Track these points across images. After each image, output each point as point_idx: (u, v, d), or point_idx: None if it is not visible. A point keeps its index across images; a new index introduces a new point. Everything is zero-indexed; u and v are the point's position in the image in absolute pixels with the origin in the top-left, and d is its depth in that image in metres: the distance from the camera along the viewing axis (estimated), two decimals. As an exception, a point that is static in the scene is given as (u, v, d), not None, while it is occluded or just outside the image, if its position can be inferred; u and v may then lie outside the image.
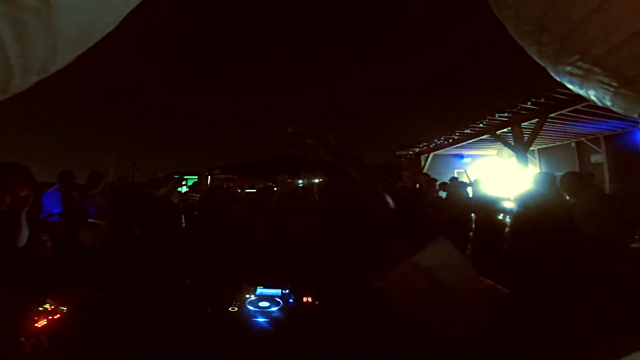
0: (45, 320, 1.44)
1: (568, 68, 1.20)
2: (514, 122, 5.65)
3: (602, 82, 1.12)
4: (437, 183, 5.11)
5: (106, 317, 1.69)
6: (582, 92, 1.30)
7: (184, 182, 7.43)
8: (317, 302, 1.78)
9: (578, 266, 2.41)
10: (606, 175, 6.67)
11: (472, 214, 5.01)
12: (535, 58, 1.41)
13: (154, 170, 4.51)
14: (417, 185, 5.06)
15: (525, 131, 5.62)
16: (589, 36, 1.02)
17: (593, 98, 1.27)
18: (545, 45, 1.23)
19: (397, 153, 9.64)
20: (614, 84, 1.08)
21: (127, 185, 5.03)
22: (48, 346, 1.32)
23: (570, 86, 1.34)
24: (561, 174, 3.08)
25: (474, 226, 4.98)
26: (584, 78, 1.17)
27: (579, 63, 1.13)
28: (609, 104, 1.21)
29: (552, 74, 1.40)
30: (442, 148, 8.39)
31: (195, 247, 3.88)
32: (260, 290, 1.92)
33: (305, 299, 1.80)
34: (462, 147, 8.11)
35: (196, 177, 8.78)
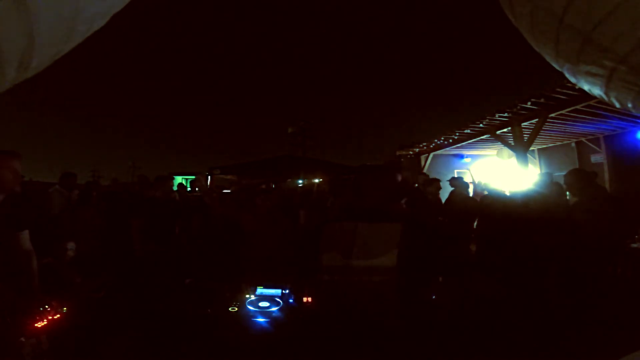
0: (45, 320, 1.44)
1: (588, 68, 1.11)
2: (514, 122, 5.63)
3: (626, 81, 1.03)
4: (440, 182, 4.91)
5: (106, 317, 1.69)
6: (600, 93, 1.21)
7: (184, 181, 7.44)
8: (316, 302, 1.78)
9: (578, 266, 2.42)
10: (606, 175, 6.65)
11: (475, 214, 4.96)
12: (549, 59, 1.31)
13: (142, 174, 4.59)
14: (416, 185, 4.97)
15: (525, 131, 5.61)
16: (615, 32, 0.94)
17: (613, 100, 1.18)
18: (564, 43, 1.13)
19: (397, 153, 9.62)
20: None
21: (122, 186, 5.01)
22: (48, 346, 1.32)
23: (586, 87, 1.25)
24: (561, 174, 3.08)
25: (475, 226, 4.96)
26: (607, 78, 1.08)
27: (603, 62, 1.04)
28: (630, 105, 1.13)
29: (568, 75, 1.30)
30: (442, 148, 8.37)
31: (194, 247, 3.87)
32: (260, 290, 1.92)
33: (305, 299, 1.80)
34: (462, 147, 8.08)
35: (194, 177, 8.78)
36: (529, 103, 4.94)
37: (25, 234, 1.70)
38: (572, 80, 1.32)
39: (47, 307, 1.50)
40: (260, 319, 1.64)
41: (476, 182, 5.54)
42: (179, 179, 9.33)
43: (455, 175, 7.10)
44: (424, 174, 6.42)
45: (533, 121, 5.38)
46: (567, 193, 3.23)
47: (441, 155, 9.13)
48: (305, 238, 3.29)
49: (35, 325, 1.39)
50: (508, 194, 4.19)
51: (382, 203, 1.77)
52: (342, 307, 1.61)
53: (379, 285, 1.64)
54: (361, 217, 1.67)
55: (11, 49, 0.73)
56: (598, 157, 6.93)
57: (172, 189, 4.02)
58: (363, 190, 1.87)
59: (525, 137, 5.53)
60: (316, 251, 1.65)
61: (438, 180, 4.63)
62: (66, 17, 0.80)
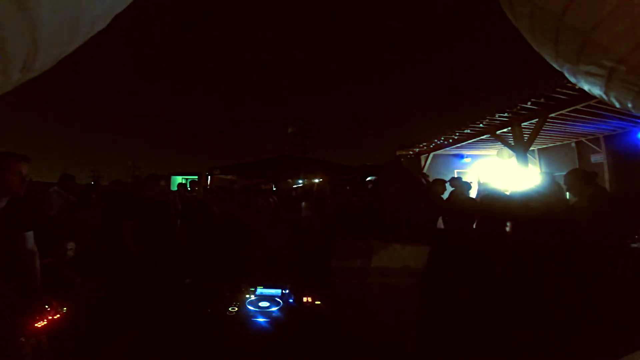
0: (45, 320, 1.44)
1: (588, 68, 1.11)
2: (514, 122, 5.63)
3: (626, 81, 1.03)
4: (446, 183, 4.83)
5: (106, 317, 1.69)
6: (600, 93, 1.21)
7: (184, 181, 7.43)
8: (317, 302, 1.78)
9: (578, 266, 2.42)
10: (606, 175, 6.65)
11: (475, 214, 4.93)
12: (549, 59, 1.31)
13: (138, 174, 4.57)
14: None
15: (525, 131, 5.61)
16: (615, 32, 0.95)
17: (612, 100, 1.18)
18: (564, 43, 1.13)
19: (397, 153, 9.61)
20: None
21: (122, 186, 4.98)
22: (48, 346, 1.32)
23: (586, 87, 1.25)
24: (561, 174, 3.08)
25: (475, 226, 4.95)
26: (606, 78, 1.08)
27: (603, 62, 1.04)
28: (629, 105, 1.13)
29: (568, 75, 1.30)
30: (442, 148, 8.37)
31: (194, 247, 3.87)
32: (260, 290, 1.92)
33: (305, 299, 1.80)
34: (462, 147, 8.09)
35: (196, 177, 8.79)
36: (529, 103, 4.94)
37: (30, 235, 1.71)
38: (572, 80, 1.31)
39: (47, 307, 1.50)
40: (260, 319, 1.63)
41: (481, 182, 5.53)
42: (178, 179, 9.33)
43: (455, 175, 7.10)
44: (426, 174, 6.43)
45: (533, 121, 5.38)
46: (567, 193, 3.23)
47: (441, 155, 9.13)
48: (309, 240, 3.28)
49: (35, 325, 1.39)
50: (508, 194, 4.19)
51: (406, 213, 1.67)
52: (348, 309, 1.60)
53: (391, 289, 1.60)
54: (378, 233, 1.60)
55: (15, 51, 0.74)
56: (598, 157, 6.93)
57: (168, 189, 3.99)
58: (385, 198, 1.78)
59: (525, 137, 5.54)
60: (324, 256, 1.61)
61: (444, 181, 4.63)
62: (69, 19, 0.81)
